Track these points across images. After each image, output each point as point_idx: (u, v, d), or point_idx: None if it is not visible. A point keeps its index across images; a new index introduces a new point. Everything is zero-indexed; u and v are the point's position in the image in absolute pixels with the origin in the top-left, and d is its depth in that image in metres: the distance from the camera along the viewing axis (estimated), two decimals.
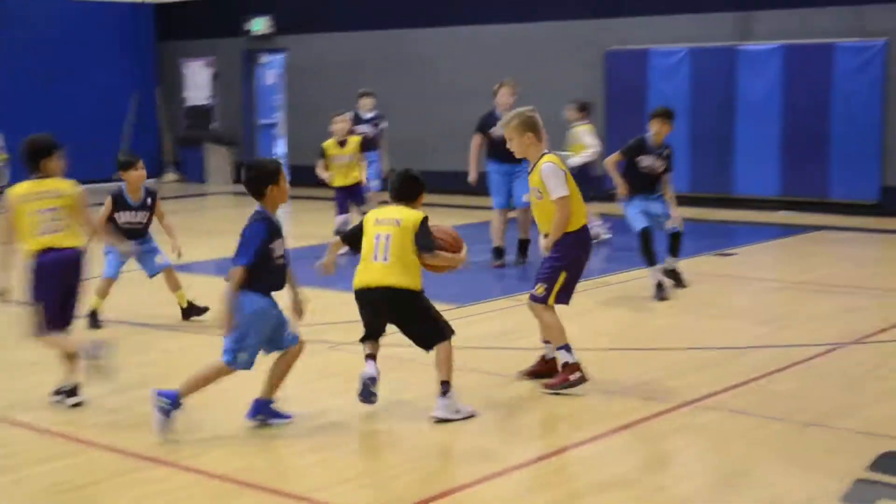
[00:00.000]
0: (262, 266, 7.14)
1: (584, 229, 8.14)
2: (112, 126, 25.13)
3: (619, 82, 19.55)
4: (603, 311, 10.94)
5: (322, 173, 14.65)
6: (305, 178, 23.80)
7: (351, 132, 14.75)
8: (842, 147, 17.69)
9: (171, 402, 7.05)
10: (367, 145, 15.20)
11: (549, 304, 8.07)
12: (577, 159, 14.42)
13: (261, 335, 7.17)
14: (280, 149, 25.43)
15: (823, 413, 7.44)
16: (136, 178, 10.50)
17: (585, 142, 14.76)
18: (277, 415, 7.39)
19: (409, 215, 7.46)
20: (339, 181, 14.57)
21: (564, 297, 8.11)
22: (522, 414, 7.73)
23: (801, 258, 14.28)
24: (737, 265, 13.56)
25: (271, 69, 25.45)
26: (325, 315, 10.47)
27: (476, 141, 13.38)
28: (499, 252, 13.36)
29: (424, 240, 7.39)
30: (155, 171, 25.71)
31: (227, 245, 15.01)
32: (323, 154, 14.64)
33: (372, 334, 7.68)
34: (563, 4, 19.94)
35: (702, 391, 7.96)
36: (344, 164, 14.57)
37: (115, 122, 25.27)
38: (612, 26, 19.75)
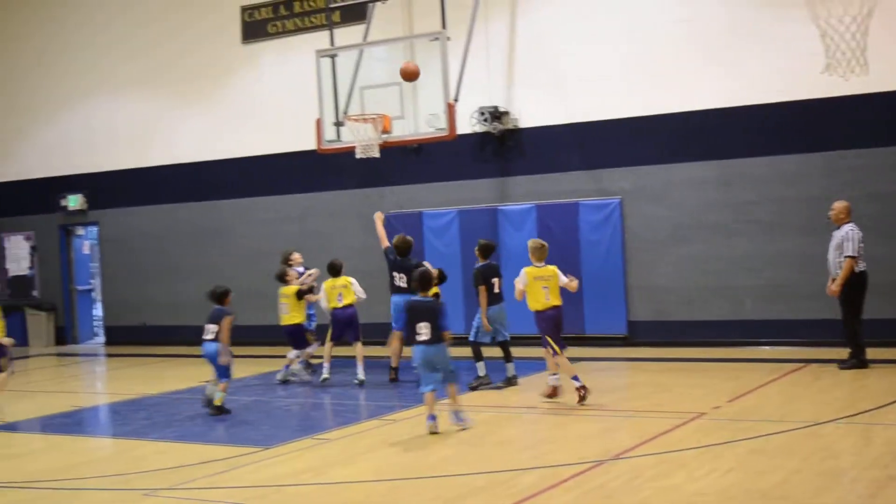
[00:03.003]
0: None
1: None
2: None
3: None
4: (400, 444, 10.90)
5: None
6: (120, 337, 23.40)
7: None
8: (592, 289, 18.19)
9: None
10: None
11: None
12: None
13: None
14: (98, 311, 24.81)
15: None
16: None
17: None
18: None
19: None
20: None
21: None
22: None
23: (563, 388, 14.47)
24: (509, 397, 13.67)
25: (86, 240, 24.90)
26: (139, 464, 10.13)
27: None
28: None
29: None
30: None
31: (51, 403, 14.56)
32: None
33: None
34: (350, 176, 20.19)
35: None
36: None
37: None
38: (390, 193, 20.10)
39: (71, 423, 13.56)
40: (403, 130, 16.39)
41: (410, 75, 15.41)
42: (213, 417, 12.95)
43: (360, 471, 9.70)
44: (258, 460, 10.35)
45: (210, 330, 13.44)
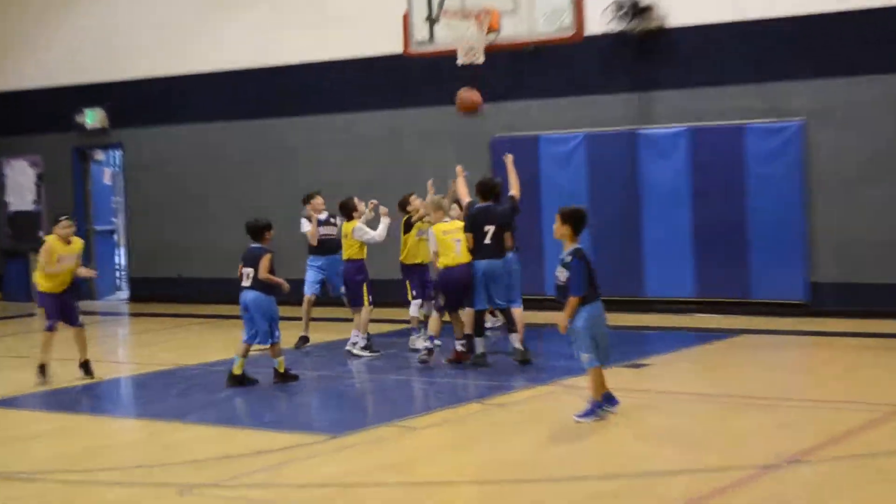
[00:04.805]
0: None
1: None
2: None
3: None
4: (508, 435, 10.90)
5: None
6: (149, 291, 23.72)
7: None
8: (762, 240, 17.99)
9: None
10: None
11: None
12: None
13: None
14: (120, 259, 25.13)
15: None
16: None
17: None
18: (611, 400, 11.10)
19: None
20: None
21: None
22: None
23: (722, 367, 14.41)
24: (651, 377, 13.64)
25: (107, 167, 25.25)
26: (172, 453, 10.31)
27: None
28: None
29: None
30: None
31: (60, 374, 14.79)
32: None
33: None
34: (447, 88, 20.05)
35: None
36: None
37: None
38: (498, 111, 19.94)
39: (86, 399, 13.84)
40: (515, 29, 16.29)
41: (470, 107, 16.12)
42: (269, 395, 13.10)
43: (455, 469, 9.75)
44: (323, 452, 10.43)
45: (247, 275, 13.44)
